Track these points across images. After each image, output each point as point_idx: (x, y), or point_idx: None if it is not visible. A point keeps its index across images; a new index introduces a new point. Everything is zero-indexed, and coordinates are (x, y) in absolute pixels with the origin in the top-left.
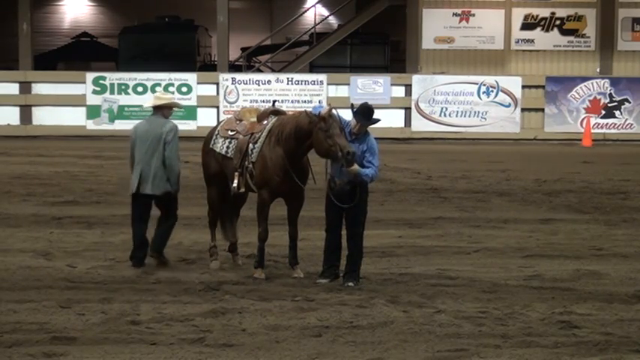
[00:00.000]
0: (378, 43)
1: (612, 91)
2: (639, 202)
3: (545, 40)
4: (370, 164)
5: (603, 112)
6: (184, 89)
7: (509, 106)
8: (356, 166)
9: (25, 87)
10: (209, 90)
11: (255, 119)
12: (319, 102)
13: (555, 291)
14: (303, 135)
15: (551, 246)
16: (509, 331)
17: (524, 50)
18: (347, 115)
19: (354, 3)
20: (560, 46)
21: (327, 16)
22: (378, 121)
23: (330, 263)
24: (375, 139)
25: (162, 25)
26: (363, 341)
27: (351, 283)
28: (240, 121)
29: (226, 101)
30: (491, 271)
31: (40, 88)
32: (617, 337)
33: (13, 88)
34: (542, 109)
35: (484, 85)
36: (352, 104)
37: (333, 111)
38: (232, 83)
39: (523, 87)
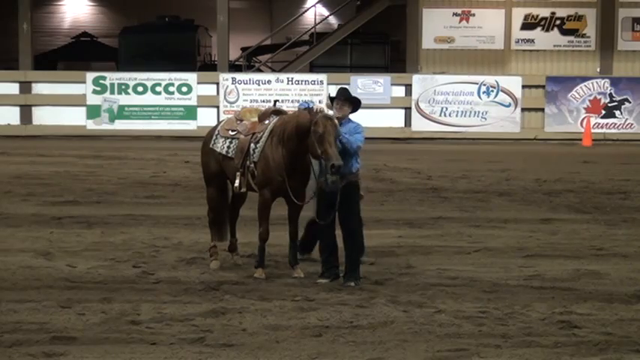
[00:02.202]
0: (378, 43)
1: (612, 91)
2: (639, 202)
3: (546, 39)
4: (353, 136)
5: (603, 111)
6: (184, 89)
7: (509, 105)
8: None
9: (25, 87)
10: (209, 90)
11: (255, 119)
12: (319, 101)
13: (555, 291)
14: (304, 133)
15: (551, 246)
16: (510, 331)
17: (524, 50)
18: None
19: (354, 3)
20: (560, 45)
21: (327, 16)
22: (359, 103)
23: (329, 264)
24: (376, 138)
25: (163, 25)
26: (363, 341)
27: (351, 283)
28: (241, 120)
29: (226, 101)
30: (491, 271)
31: (40, 88)
32: (617, 337)
33: (13, 88)
34: (543, 109)
35: (484, 85)
36: (329, 95)
37: (328, 113)
38: (232, 83)
39: (523, 87)
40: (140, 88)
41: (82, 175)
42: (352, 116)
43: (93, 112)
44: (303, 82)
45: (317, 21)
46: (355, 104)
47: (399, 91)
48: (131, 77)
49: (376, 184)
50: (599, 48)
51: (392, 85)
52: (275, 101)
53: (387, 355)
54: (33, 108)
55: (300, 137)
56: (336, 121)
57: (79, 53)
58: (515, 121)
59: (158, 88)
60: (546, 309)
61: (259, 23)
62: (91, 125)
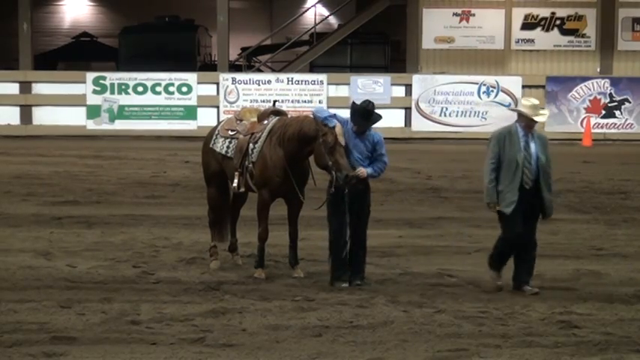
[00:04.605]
0: (378, 43)
1: (612, 91)
2: (639, 202)
3: (546, 39)
4: (381, 156)
5: (603, 111)
6: (184, 89)
7: (509, 105)
8: (362, 169)
9: (25, 87)
10: (209, 90)
11: (255, 119)
12: (319, 102)
13: (555, 291)
14: (307, 140)
15: (551, 246)
16: (510, 331)
17: (524, 50)
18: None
19: (354, 3)
20: (560, 45)
21: (327, 16)
22: (379, 118)
23: (343, 269)
24: None
25: (163, 25)
26: (363, 341)
27: (357, 282)
28: (241, 120)
29: (226, 101)
30: None
31: (40, 88)
32: (617, 337)
33: (13, 88)
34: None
35: (484, 84)
36: (353, 102)
37: (338, 125)
38: (232, 83)
39: (523, 87)
40: (140, 88)
41: (82, 175)
42: None
43: (93, 112)
44: (303, 82)
45: (317, 21)
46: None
47: (399, 91)
48: (131, 77)
49: (376, 184)
50: (599, 48)
51: (392, 85)
52: (274, 101)
53: (387, 355)
54: (33, 108)
55: (302, 143)
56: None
57: (79, 53)
58: None
59: (158, 88)
60: (546, 309)
61: (259, 23)
62: (91, 125)
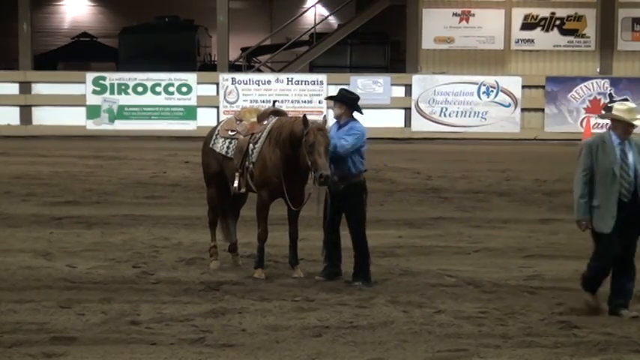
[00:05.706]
0: (378, 43)
1: (612, 91)
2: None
3: (545, 40)
4: (342, 138)
5: (603, 112)
6: (184, 89)
7: (509, 106)
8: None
9: (25, 87)
10: (209, 90)
11: (255, 119)
12: (319, 102)
13: (555, 291)
14: (297, 141)
15: (551, 246)
16: (509, 331)
17: (524, 50)
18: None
19: (354, 3)
20: (560, 46)
21: (327, 16)
22: (347, 98)
23: (330, 262)
24: (376, 138)
25: (162, 25)
26: (363, 341)
27: (357, 283)
28: (241, 121)
29: (226, 101)
30: (491, 271)
31: (40, 88)
32: (617, 337)
33: (13, 88)
34: (542, 109)
35: (484, 85)
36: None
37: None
38: (232, 83)
39: (523, 87)
40: (140, 89)
41: (81, 175)
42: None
43: (93, 112)
44: (303, 83)
45: (317, 21)
46: (349, 104)
47: (399, 92)
48: (131, 77)
49: (376, 184)
50: (599, 48)
51: (392, 85)
52: (274, 101)
53: (387, 355)
54: (33, 108)
55: (293, 144)
56: (327, 131)
57: (79, 53)
58: (515, 121)
59: (158, 89)
60: (546, 309)
61: (259, 23)
62: (91, 125)
